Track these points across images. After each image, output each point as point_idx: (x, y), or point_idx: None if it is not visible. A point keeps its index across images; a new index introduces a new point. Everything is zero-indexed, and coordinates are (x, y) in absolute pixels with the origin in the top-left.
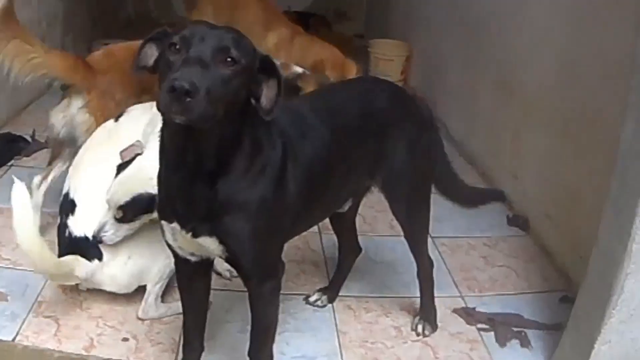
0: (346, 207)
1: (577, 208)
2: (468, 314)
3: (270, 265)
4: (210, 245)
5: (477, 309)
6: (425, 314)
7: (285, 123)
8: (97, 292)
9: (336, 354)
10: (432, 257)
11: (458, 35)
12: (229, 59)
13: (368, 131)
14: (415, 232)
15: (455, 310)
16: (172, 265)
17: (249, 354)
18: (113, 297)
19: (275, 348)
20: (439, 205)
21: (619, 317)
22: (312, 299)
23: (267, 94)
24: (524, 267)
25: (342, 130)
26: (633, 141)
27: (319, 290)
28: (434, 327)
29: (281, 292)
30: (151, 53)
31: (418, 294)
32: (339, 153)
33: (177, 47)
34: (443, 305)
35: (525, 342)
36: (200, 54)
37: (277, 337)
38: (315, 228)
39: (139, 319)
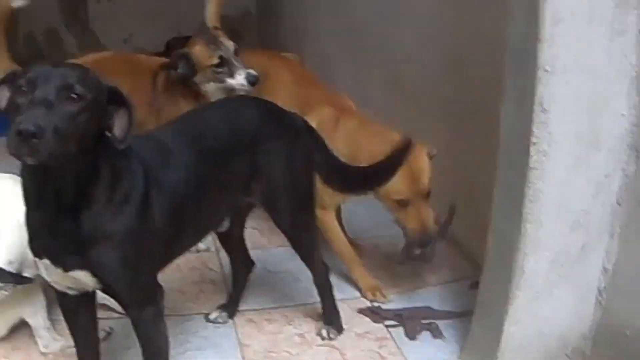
0: (224, 227)
1: (477, 196)
2: (374, 313)
3: (147, 291)
4: (83, 278)
5: (383, 307)
6: (329, 318)
7: (146, 151)
8: None
9: None
10: (335, 259)
11: (345, 40)
12: (73, 96)
13: (238, 149)
14: (303, 242)
15: (360, 311)
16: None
17: None
18: (15, 336)
19: None
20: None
21: (524, 297)
22: (212, 316)
23: (119, 124)
24: (431, 261)
25: (208, 152)
26: (514, 122)
27: (218, 307)
28: (339, 330)
29: (181, 313)
30: (4, 95)
31: (316, 300)
32: (206, 175)
33: (24, 89)
34: (348, 307)
35: (436, 333)
36: (45, 94)
37: (179, 357)
38: (212, 247)
39: (42, 354)
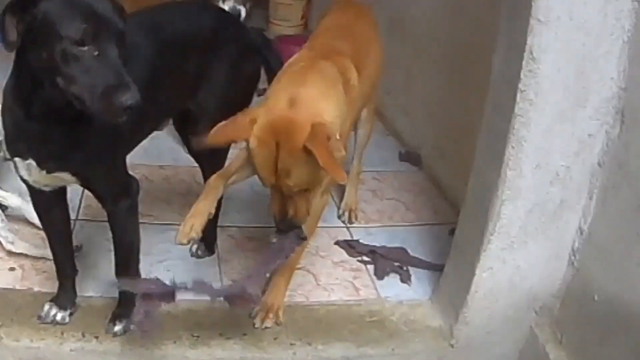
0: (164, 127)
1: (466, 141)
2: (350, 246)
3: (123, 183)
4: (64, 177)
5: (361, 241)
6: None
7: None
8: None
9: (217, 281)
10: None
11: None
12: (123, 44)
13: (192, 49)
14: (216, 156)
15: (337, 243)
16: None
17: (117, 275)
18: None
19: (157, 274)
20: None
21: (498, 244)
22: None
23: None
24: (414, 201)
25: (166, 46)
26: (503, 68)
27: None
28: (211, 250)
29: (165, 222)
30: (11, 27)
31: None
32: (163, 67)
33: (83, 40)
34: (328, 235)
35: (405, 277)
36: (115, 52)
37: (158, 265)
38: None
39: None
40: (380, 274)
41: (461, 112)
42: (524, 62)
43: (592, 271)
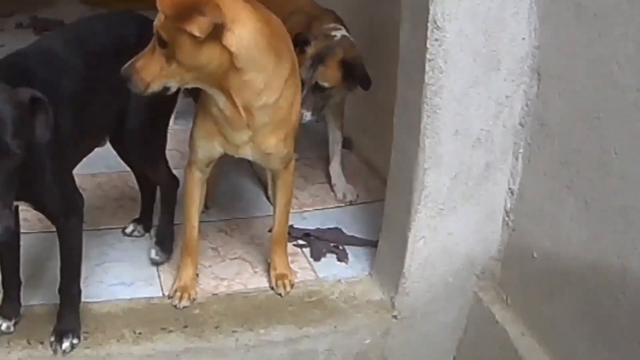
0: (105, 142)
1: (389, 119)
2: None
3: (71, 201)
4: (19, 204)
5: (295, 226)
6: (160, 238)
7: (42, 67)
8: None
9: (154, 277)
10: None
11: None
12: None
13: (119, 58)
14: (154, 155)
15: (271, 230)
16: None
17: (60, 291)
18: None
19: (94, 277)
20: None
21: (426, 212)
22: (128, 230)
23: (40, 126)
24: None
25: (94, 59)
26: (410, 38)
27: (133, 221)
28: (168, 253)
29: (100, 227)
30: None
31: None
32: (94, 81)
33: None
34: (262, 223)
35: (342, 256)
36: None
37: (96, 268)
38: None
39: None
40: (316, 256)
41: (383, 91)
42: (428, 32)
43: (528, 230)
